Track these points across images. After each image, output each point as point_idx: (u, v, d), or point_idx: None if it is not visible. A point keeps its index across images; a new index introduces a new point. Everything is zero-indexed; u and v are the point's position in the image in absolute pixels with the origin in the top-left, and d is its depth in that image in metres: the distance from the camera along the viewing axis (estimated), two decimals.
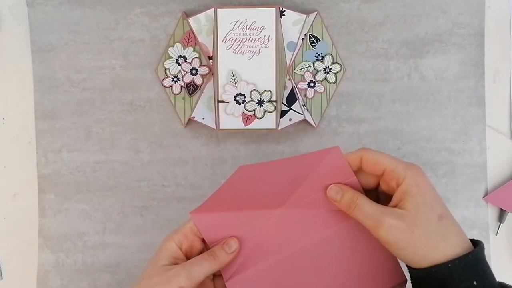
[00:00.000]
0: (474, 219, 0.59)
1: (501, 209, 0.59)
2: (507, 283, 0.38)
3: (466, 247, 0.36)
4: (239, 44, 0.57)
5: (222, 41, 0.57)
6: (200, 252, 0.41)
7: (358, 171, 0.40)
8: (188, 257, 0.41)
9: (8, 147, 0.60)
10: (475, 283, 0.35)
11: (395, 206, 0.37)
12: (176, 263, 0.39)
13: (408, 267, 0.38)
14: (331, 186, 0.39)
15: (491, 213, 0.60)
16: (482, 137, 0.59)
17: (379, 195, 0.41)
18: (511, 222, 0.60)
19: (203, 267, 0.39)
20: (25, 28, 0.59)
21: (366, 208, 0.37)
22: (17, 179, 0.60)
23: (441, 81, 0.59)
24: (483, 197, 0.59)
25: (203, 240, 0.41)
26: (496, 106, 0.60)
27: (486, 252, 0.59)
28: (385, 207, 0.37)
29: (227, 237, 0.40)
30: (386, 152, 0.59)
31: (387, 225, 0.36)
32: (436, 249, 0.35)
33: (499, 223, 0.59)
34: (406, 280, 0.40)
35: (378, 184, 0.40)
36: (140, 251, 0.60)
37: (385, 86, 0.59)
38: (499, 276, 0.60)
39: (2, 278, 0.60)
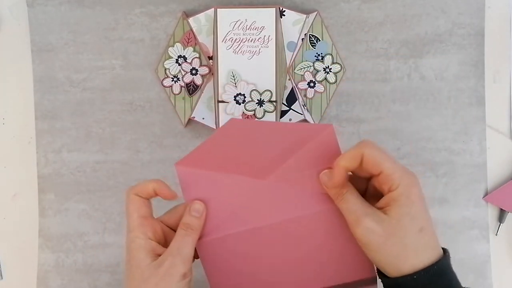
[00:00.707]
0: (474, 219, 0.59)
1: (501, 209, 0.59)
2: None
3: (435, 258, 0.36)
4: (239, 44, 0.57)
5: (222, 41, 0.57)
6: (163, 232, 0.41)
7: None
8: (159, 241, 0.40)
9: (8, 147, 0.60)
10: None
11: (380, 208, 0.37)
12: (158, 254, 0.39)
13: (380, 274, 0.38)
14: (325, 171, 0.38)
15: (491, 213, 0.60)
16: (482, 137, 0.59)
17: (369, 186, 0.40)
18: (511, 222, 0.60)
19: (188, 243, 0.38)
20: (25, 28, 0.59)
21: (351, 203, 0.37)
22: (17, 179, 0.60)
23: (441, 81, 0.59)
24: (483, 197, 0.59)
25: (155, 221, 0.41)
26: (496, 106, 0.60)
27: (486, 252, 0.59)
28: (369, 206, 0.37)
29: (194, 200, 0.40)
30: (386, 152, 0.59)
31: (365, 226, 0.36)
32: (406, 260, 0.36)
33: (499, 223, 0.59)
34: (376, 277, 0.40)
35: (371, 178, 0.39)
36: None
37: (385, 86, 0.59)
38: (499, 276, 0.60)
39: (2, 278, 0.60)
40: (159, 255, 0.38)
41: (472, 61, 0.59)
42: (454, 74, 0.59)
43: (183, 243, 0.39)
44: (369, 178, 0.40)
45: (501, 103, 0.60)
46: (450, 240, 0.59)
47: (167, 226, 0.41)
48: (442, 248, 0.38)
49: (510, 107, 0.60)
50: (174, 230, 0.40)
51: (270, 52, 0.57)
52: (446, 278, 0.36)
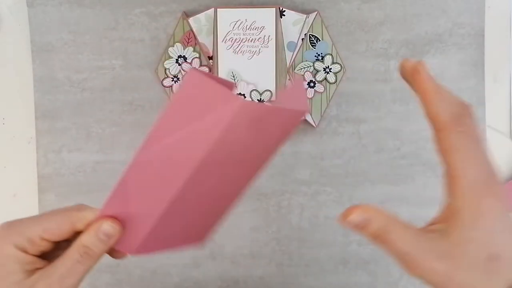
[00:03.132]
0: None
1: None
2: None
3: None
4: (239, 44, 0.57)
5: (222, 41, 0.57)
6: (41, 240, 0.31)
7: None
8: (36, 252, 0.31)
9: (8, 147, 0.60)
10: None
11: (436, 223, 0.28)
12: (36, 268, 0.30)
13: None
14: (353, 209, 0.27)
15: None
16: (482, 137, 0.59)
17: None
18: None
19: (77, 273, 0.31)
20: (25, 28, 0.59)
21: (399, 244, 0.27)
22: (17, 179, 0.60)
23: (441, 81, 0.59)
24: None
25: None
26: (496, 106, 0.60)
27: None
28: (422, 234, 0.27)
29: (101, 218, 0.30)
30: (386, 152, 0.59)
31: (423, 269, 0.26)
32: None
33: None
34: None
35: None
36: None
37: (385, 86, 0.59)
38: None
39: None
40: (39, 269, 0.30)
41: (472, 61, 0.59)
42: (454, 74, 0.59)
43: (71, 272, 0.30)
44: None
45: (501, 103, 0.60)
46: None
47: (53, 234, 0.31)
48: None
49: (510, 107, 0.60)
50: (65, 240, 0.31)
51: (270, 52, 0.57)
52: None
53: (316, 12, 0.58)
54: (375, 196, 0.59)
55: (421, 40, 0.59)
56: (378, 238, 0.27)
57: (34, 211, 0.59)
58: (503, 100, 0.60)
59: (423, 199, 0.59)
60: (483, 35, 0.59)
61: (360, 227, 0.27)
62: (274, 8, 0.56)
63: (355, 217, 0.27)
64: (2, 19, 0.60)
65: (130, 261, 0.60)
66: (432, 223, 0.28)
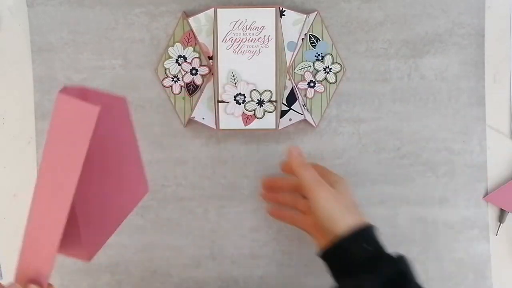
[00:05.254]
0: (474, 219, 0.59)
1: (501, 209, 0.59)
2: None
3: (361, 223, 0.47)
4: (239, 44, 0.57)
5: (222, 41, 0.56)
6: None
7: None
8: None
9: (8, 147, 0.60)
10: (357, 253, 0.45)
11: None
12: None
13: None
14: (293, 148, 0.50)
15: (491, 213, 0.60)
16: (482, 137, 0.59)
17: None
18: (511, 222, 0.60)
19: None
20: (25, 28, 0.59)
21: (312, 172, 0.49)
22: (17, 179, 0.60)
23: (441, 81, 0.59)
24: (483, 197, 0.59)
25: None
26: (496, 106, 0.60)
27: (486, 252, 0.59)
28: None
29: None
30: (386, 152, 0.60)
31: (322, 189, 0.47)
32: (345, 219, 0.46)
33: (499, 223, 0.59)
34: None
35: None
36: (140, 251, 0.60)
37: (385, 86, 0.59)
38: (499, 276, 0.60)
39: (2, 278, 0.60)
40: None
41: (472, 61, 0.59)
42: (454, 74, 0.59)
43: None
44: None
45: (501, 103, 0.60)
46: (450, 240, 0.59)
47: None
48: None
49: (510, 107, 0.60)
50: None
51: (270, 52, 0.57)
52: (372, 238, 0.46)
53: (316, 12, 0.58)
54: (375, 196, 0.59)
55: (421, 40, 0.59)
56: (302, 165, 0.49)
57: None
58: (503, 100, 0.60)
59: (423, 199, 0.59)
60: (483, 35, 0.59)
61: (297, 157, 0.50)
62: (274, 8, 0.56)
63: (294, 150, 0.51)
64: (2, 19, 0.60)
65: (130, 261, 0.60)
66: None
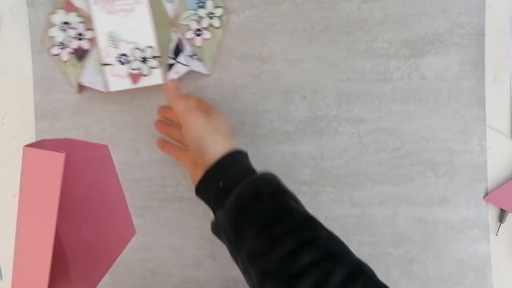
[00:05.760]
0: (474, 219, 0.59)
1: (501, 209, 0.59)
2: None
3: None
4: (111, 4, 0.55)
5: (94, 2, 0.55)
6: None
7: None
8: None
9: (8, 147, 0.60)
10: (221, 184, 0.47)
11: None
12: None
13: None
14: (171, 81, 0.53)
15: (491, 213, 0.60)
16: (482, 137, 0.59)
17: None
18: (511, 222, 0.60)
19: None
20: (25, 28, 0.59)
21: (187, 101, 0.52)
22: (17, 179, 0.60)
23: (441, 81, 0.59)
24: (483, 197, 0.59)
25: None
26: (496, 106, 0.60)
27: (486, 252, 0.59)
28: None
29: None
30: (386, 152, 0.60)
31: (196, 114, 0.50)
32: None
33: (499, 223, 0.59)
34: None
35: None
36: (140, 251, 0.60)
37: (385, 86, 0.59)
38: (499, 276, 0.60)
39: (2, 278, 0.60)
40: None
41: (472, 61, 0.59)
42: (454, 74, 0.59)
43: None
44: None
45: (501, 103, 0.60)
46: (450, 240, 0.59)
47: None
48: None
49: (510, 107, 0.60)
50: None
51: (143, 8, 0.55)
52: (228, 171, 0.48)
53: None
54: (375, 196, 0.59)
55: (421, 40, 0.59)
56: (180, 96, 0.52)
57: None
58: (503, 100, 0.60)
59: (423, 199, 0.59)
60: (483, 35, 0.59)
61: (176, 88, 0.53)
62: None
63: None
64: (2, 19, 0.60)
65: (130, 261, 0.60)
66: None
